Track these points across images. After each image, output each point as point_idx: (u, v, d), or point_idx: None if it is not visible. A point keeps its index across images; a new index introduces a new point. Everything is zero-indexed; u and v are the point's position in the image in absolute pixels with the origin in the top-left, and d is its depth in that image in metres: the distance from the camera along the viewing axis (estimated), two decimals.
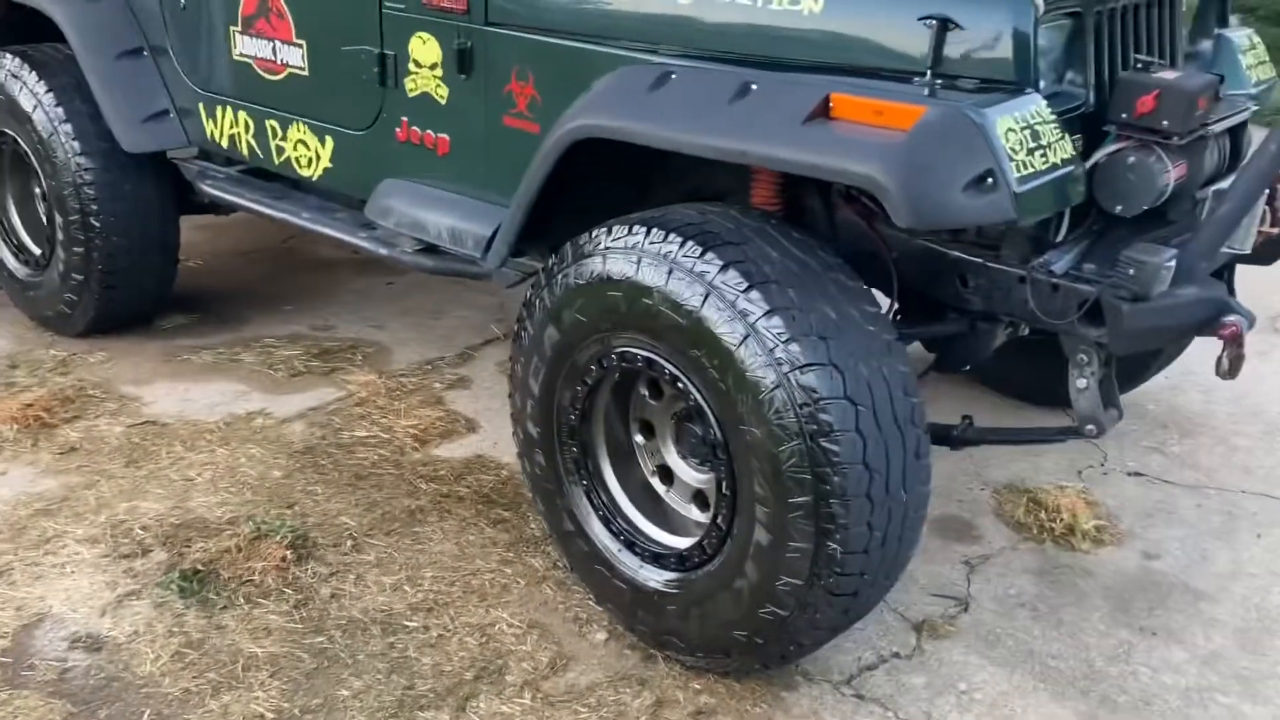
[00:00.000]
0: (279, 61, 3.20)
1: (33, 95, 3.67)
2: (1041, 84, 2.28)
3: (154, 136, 3.59)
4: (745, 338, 2.11)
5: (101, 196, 3.64)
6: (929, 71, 2.17)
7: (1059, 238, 2.43)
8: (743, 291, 2.12)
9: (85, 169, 3.62)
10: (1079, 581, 2.89)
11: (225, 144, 3.50)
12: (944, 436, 2.63)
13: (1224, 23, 3.00)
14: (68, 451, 3.28)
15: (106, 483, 3.13)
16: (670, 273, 2.20)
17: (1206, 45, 2.96)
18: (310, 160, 3.25)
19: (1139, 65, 2.40)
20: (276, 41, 3.18)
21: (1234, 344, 2.28)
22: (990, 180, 2.01)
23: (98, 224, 3.67)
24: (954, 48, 2.19)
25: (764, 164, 2.16)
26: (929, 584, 2.85)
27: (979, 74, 2.21)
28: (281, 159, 3.34)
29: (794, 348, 2.08)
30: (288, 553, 2.80)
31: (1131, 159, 2.33)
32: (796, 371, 2.07)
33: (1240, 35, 3.00)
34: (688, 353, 2.22)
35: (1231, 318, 2.29)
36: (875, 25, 2.28)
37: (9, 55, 3.77)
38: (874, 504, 2.12)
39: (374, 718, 2.35)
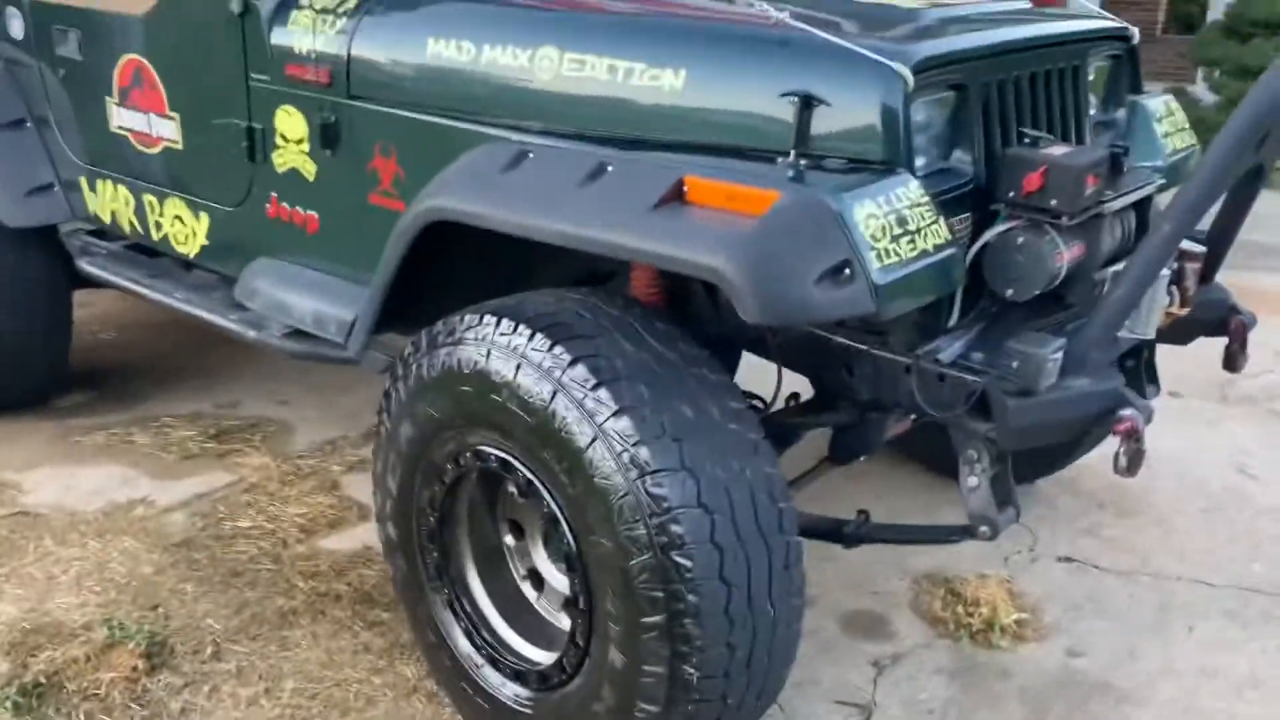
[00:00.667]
0: (154, 135, 3.04)
1: None
2: (920, 161, 2.13)
3: (37, 211, 3.43)
4: (593, 440, 1.94)
5: None
6: (793, 151, 2.02)
7: (951, 323, 2.27)
8: (591, 389, 1.95)
9: None
10: (995, 683, 2.70)
11: (108, 219, 3.33)
12: (835, 534, 2.46)
13: (1137, 89, 2.86)
14: None
15: None
16: (519, 367, 2.03)
17: (1119, 114, 2.83)
18: (187, 237, 3.09)
19: (1026, 140, 2.24)
20: (151, 114, 3.03)
21: (1130, 439, 2.11)
22: (848, 272, 1.85)
23: None
24: (821, 125, 2.04)
25: (610, 252, 1.99)
26: (832, 688, 2.65)
27: (847, 153, 2.05)
28: (160, 235, 3.17)
29: (643, 451, 1.90)
30: (140, 662, 2.60)
31: (1020, 240, 2.18)
32: (646, 477, 1.89)
33: (1156, 103, 2.87)
34: (538, 454, 2.04)
35: (1127, 412, 2.12)
36: (738, 102, 2.12)
37: None
38: (734, 622, 1.94)
39: None
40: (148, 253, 3.34)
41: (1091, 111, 2.74)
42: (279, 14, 2.65)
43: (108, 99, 3.14)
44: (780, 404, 2.61)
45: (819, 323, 2.13)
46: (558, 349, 1.99)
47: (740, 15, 2.15)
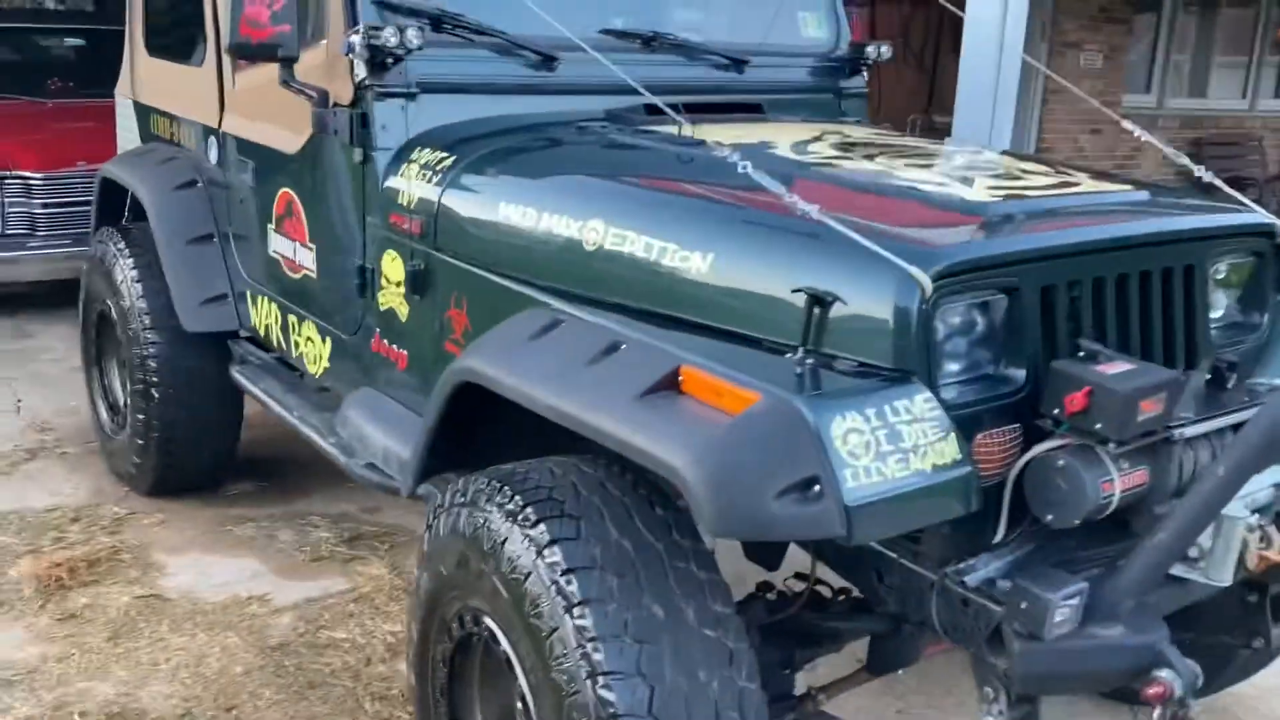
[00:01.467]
0: (297, 261, 3.28)
1: (122, 270, 3.94)
2: (952, 367, 2.01)
3: (211, 319, 3.75)
4: (554, 630, 1.89)
5: (162, 370, 3.82)
6: (800, 349, 1.93)
7: (997, 538, 2.08)
8: (561, 574, 1.91)
9: (151, 343, 3.82)
10: None
11: (263, 332, 3.60)
12: None
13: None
14: (67, 618, 3.38)
15: (81, 657, 3.18)
16: (506, 540, 2.02)
17: (1263, 318, 2.55)
18: (316, 358, 3.29)
19: (1082, 354, 2.04)
20: (296, 243, 3.26)
21: (1164, 705, 1.85)
22: (816, 489, 1.73)
23: (157, 394, 3.84)
24: (837, 324, 1.94)
25: (593, 436, 1.95)
26: None
27: (859, 356, 1.94)
28: (297, 353, 3.40)
29: (599, 650, 1.84)
30: None
31: (1061, 463, 1.97)
32: (598, 678, 1.83)
33: None
34: (511, 631, 2.01)
35: (1163, 674, 1.87)
36: (760, 291, 2.06)
37: (114, 230, 4.08)
38: None
39: None
40: (292, 368, 3.57)
41: (1219, 314, 2.49)
42: (392, 165, 2.81)
43: (268, 225, 3.42)
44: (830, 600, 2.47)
45: (783, 540, 1.99)
46: (540, 526, 1.97)
47: (773, 204, 2.09)
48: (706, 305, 2.13)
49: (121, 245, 3.98)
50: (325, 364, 3.24)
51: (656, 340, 2.07)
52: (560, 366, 2.09)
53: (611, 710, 1.81)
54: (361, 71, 2.78)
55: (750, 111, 3.27)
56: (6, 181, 6.01)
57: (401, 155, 2.81)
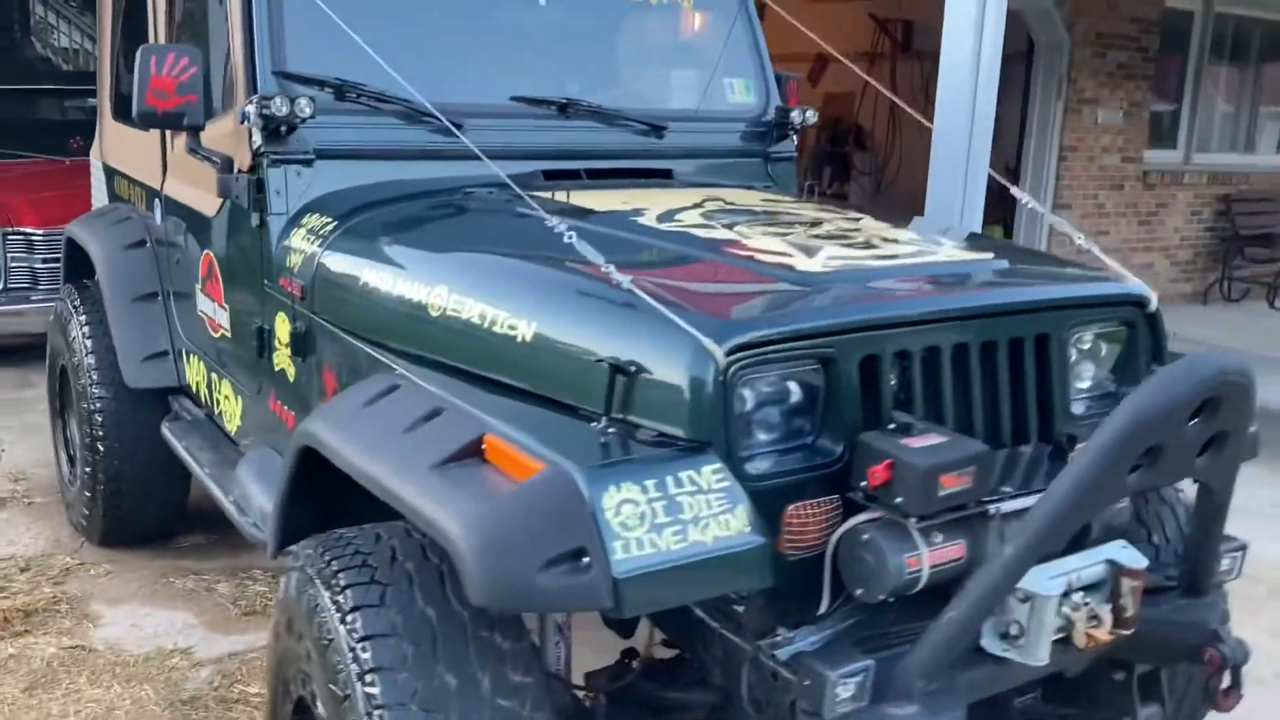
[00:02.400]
0: (216, 321, 3.36)
1: (75, 326, 4.06)
2: (762, 437, 2.01)
3: (152, 375, 3.84)
4: (347, 697, 1.91)
5: (108, 423, 3.92)
6: (603, 418, 1.95)
7: (822, 609, 2.06)
8: (359, 641, 1.93)
9: (98, 397, 3.92)
10: None
11: (194, 389, 3.69)
12: None
13: (1159, 359, 2.53)
14: None
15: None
16: (318, 605, 2.04)
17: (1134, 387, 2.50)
18: (231, 415, 3.36)
19: (892, 426, 2.03)
20: (215, 303, 3.35)
21: None
22: (585, 560, 1.74)
23: (103, 448, 3.94)
24: (641, 394, 1.96)
25: (392, 503, 1.98)
26: None
27: (661, 425, 1.94)
28: (218, 410, 3.47)
29: (385, 717, 1.85)
30: None
31: (866, 537, 1.96)
32: None
33: None
34: (320, 697, 2.03)
35: None
36: (576, 359, 2.08)
37: (72, 287, 4.21)
38: None
39: None
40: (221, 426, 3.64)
41: (1085, 384, 2.46)
42: (285, 229, 2.89)
43: (195, 285, 3.51)
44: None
45: (551, 611, 1.99)
46: (347, 592, 2.00)
47: (594, 273, 2.11)
48: (531, 372, 2.16)
49: (77, 302, 4.11)
50: (238, 422, 3.31)
51: (480, 407, 2.10)
52: (382, 433, 2.12)
53: None
54: (258, 139, 2.86)
55: (659, 176, 3.30)
56: (9, 237, 6.23)
57: (295, 220, 2.88)
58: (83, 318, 4.04)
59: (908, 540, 1.95)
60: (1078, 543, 2.17)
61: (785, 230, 2.52)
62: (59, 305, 4.28)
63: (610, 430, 1.93)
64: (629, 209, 2.69)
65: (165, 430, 3.71)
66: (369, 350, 2.51)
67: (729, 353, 1.90)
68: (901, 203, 11.31)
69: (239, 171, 2.97)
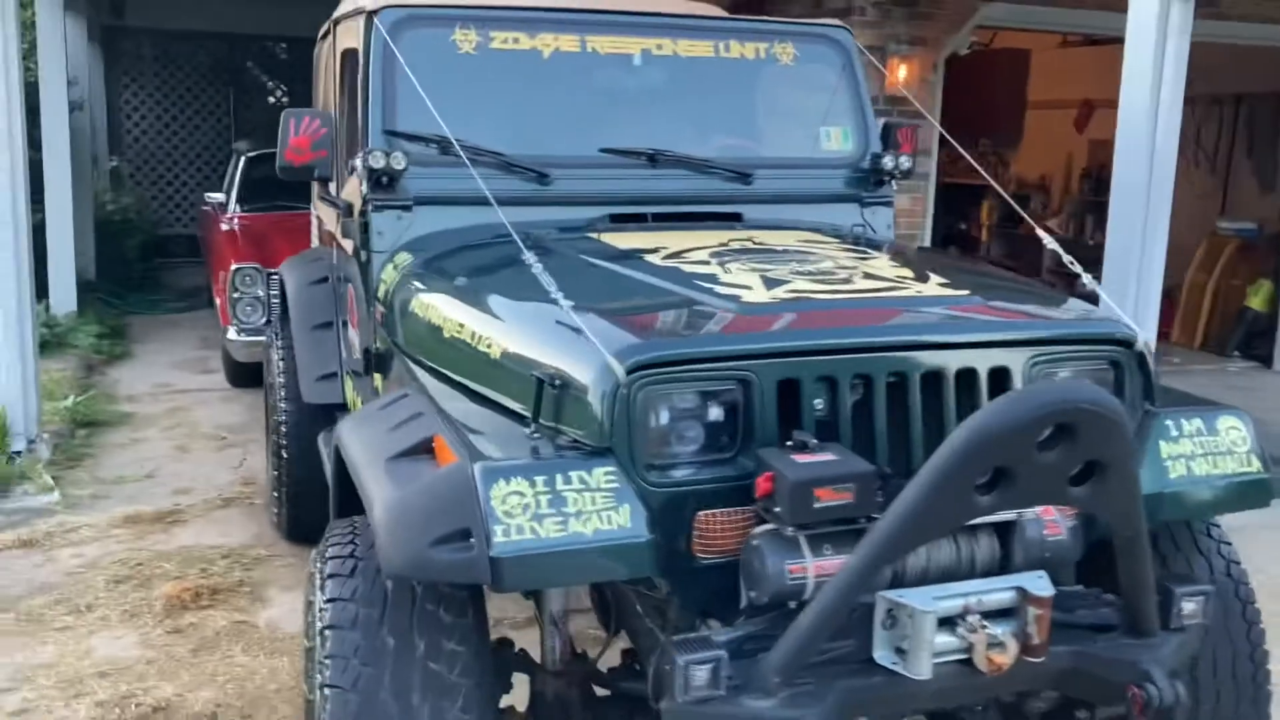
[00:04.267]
0: (353, 344, 3.88)
1: (275, 350, 4.75)
2: (675, 449, 2.22)
3: (322, 392, 4.42)
4: (310, 649, 2.28)
5: (290, 434, 4.55)
6: (533, 423, 2.24)
7: (742, 611, 2.24)
8: (324, 604, 2.29)
9: (284, 411, 4.57)
10: None
11: (350, 405, 4.23)
12: None
13: (1149, 398, 2.52)
14: (172, 631, 4.10)
15: (165, 662, 3.87)
16: (310, 604, 2.42)
17: None
18: None
19: (790, 443, 2.18)
20: (353, 329, 3.87)
21: None
22: (471, 540, 2.02)
23: (286, 455, 4.58)
24: (564, 403, 2.23)
25: (358, 488, 2.33)
26: None
27: (576, 432, 2.21)
28: None
29: (328, 669, 2.20)
30: None
31: (755, 543, 2.14)
32: (326, 689, 2.19)
33: (1181, 420, 2.51)
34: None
35: None
36: (520, 373, 2.37)
37: (278, 319, 4.91)
38: None
39: None
40: None
41: None
42: (383, 266, 3.34)
43: (344, 315, 4.06)
44: None
45: (442, 581, 2.23)
46: (327, 565, 2.37)
47: (550, 299, 2.39)
48: (498, 383, 2.48)
49: (279, 330, 4.80)
50: None
51: (455, 413, 2.44)
52: (375, 432, 2.50)
53: (325, 717, 2.16)
54: (365, 187, 3.34)
55: (729, 219, 3.52)
56: (271, 277, 7.18)
57: (390, 257, 3.34)
58: (280, 344, 4.72)
59: (794, 550, 2.11)
60: (1004, 570, 2.24)
61: (773, 267, 2.70)
62: (268, 335, 4.99)
63: (535, 435, 2.22)
64: (648, 247, 2.95)
65: (320, 440, 4.27)
66: (410, 364, 2.90)
67: (630, 370, 2.14)
68: (1169, 256, 10.69)
69: (355, 216, 3.47)
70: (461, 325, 2.65)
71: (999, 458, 1.91)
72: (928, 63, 7.33)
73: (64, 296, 8.93)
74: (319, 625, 2.27)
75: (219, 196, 8.91)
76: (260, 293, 6.84)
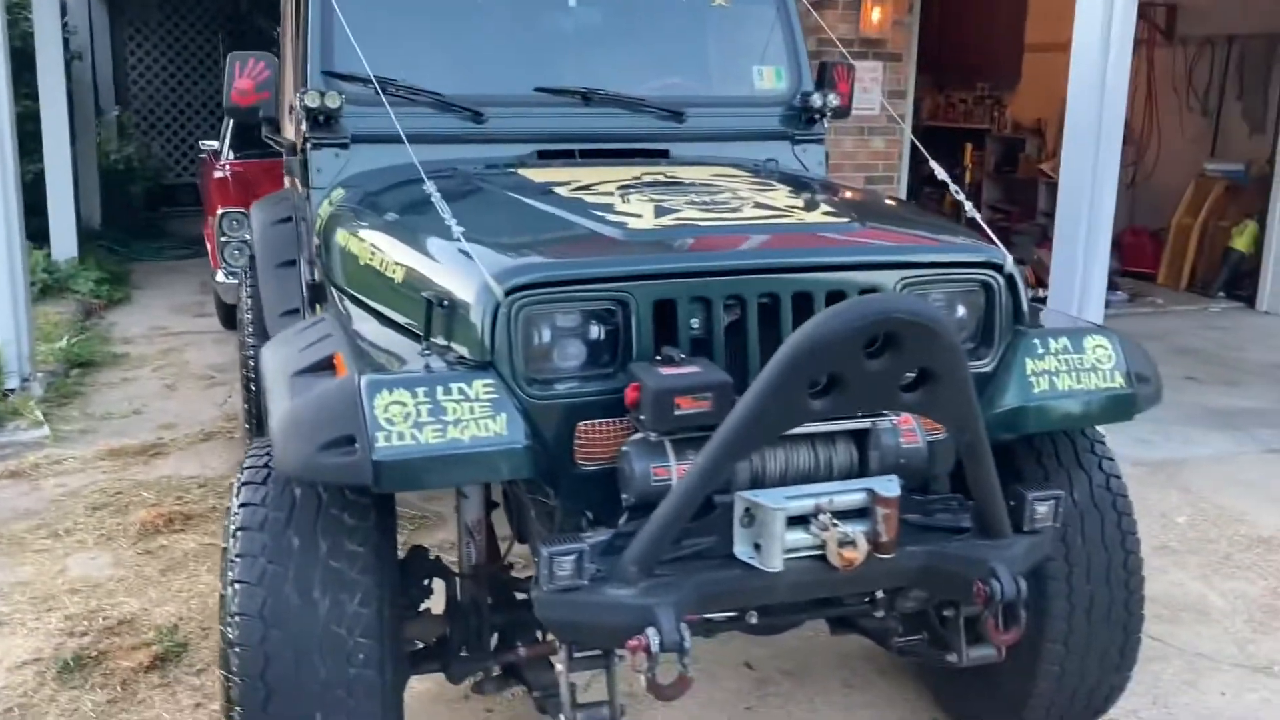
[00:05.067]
0: (304, 280, 4.06)
1: (244, 288, 4.94)
2: (555, 364, 2.38)
3: (285, 327, 4.60)
4: (225, 549, 2.47)
5: (257, 369, 4.74)
6: (425, 341, 2.42)
7: (623, 516, 2.42)
8: (237, 507, 2.47)
9: (251, 346, 4.77)
10: None
11: None
12: None
13: (1020, 320, 2.67)
14: (144, 553, 4.34)
15: (134, 579, 4.11)
16: (228, 509, 2.59)
17: (985, 349, 2.66)
18: None
19: (659, 357, 2.35)
20: (303, 263, 4.05)
21: (638, 655, 2.13)
22: (355, 445, 2.20)
23: (254, 389, 4.78)
24: (451, 323, 2.41)
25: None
26: None
27: (460, 349, 2.38)
28: None
29: (235, 566, 2.38)
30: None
31: (625, 449, 2.32)
32: (234, 585, 2.37)
33: (1048, 338, 2.66)
34: None
35: (649, 631, 2.14)
36: (415, 295, 2.53)
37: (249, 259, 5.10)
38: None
39: None
40: None
41: None
42: (320, 201, 3.49)
43: (304, 252, 4.23)
44: None
45: (329, 482, 2.40)
46: (244, 473, 2.56)
47: (443, 227, 2.55)
48: (401, 306, 2.64)
49: (248, 269, 4.99)
50: None
51: (363, 333, 2.62)
52: (290, 352, 2.67)
53: (234, 609, 2.36)
54: (305, 126, 3.50)
55: (655, 156, 3.66)
56: None
57: (329, 194, 3.49)
58: (248, 282, 4.91)
59: (659, 454, 2.29)
60: (862, 475, 2.41)
61: (671, 198, 2.85)
62: (239, 273, 5.18)
63: (426, 352, 2.39)
64: (562, 180, 3.10)
65: None
66: (334, 293, 3.08)
67: (509, 291, 2.31)
68: (1158, 198, 10.75)
69: (296, 154, 3.63)
70: (373, 253, 2.82)
71: (828, 365, 2.06)
72: (902, 5, 7.37)
73: (64, 243, 9.15)
74: (232, 528, 2.47)
75: (214, 144, 9.08)
76: (247, 236, 7.00)
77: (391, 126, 3.48)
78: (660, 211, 2.70)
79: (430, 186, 2.65)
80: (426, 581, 2.80)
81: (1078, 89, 5.47)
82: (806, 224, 2.69)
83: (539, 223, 2.74)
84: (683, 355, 2.35)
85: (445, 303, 2.40)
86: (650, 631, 2.15)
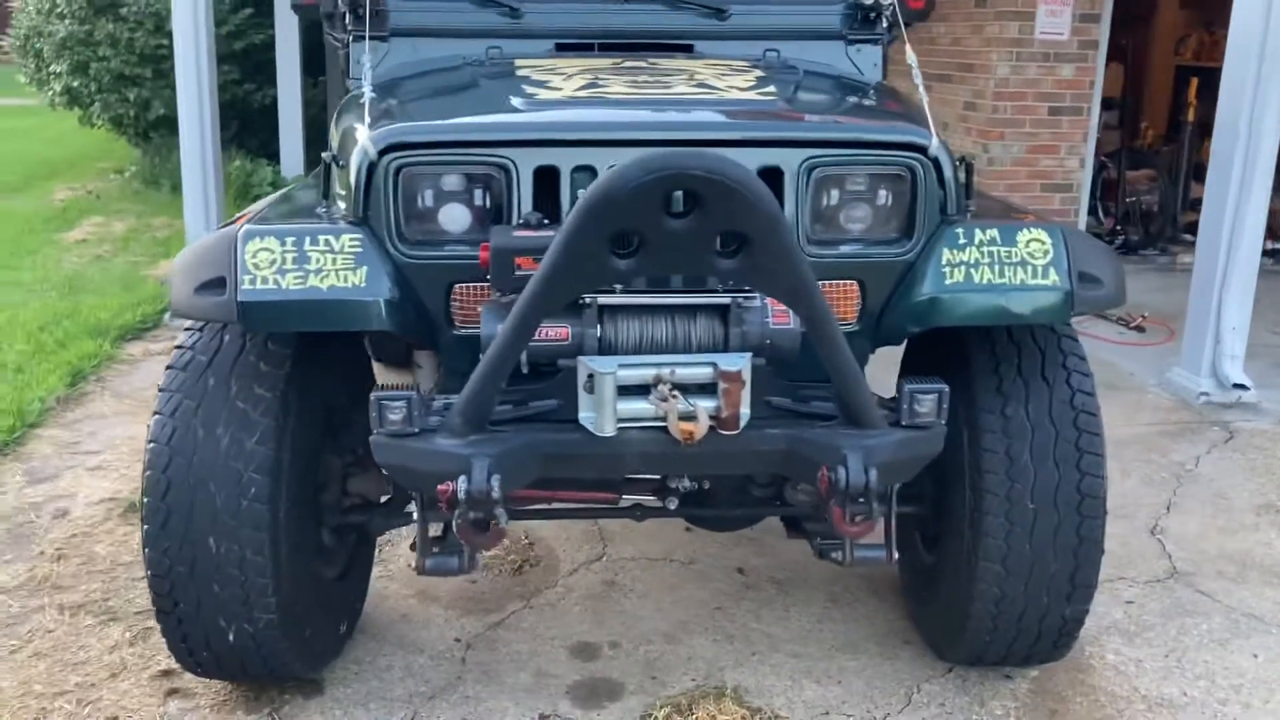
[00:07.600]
0: None
1: None
2: (434, 225, 2.44)
3: None
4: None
5: None
6: (322, 200, 2.56)
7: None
8: (173, 349, 2.71)
9: None
10: None
11: None
12: None
13: (945, 210, 2.51)
14: None
15: None
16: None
17: (905, 234, 2.53)
18: None
19: (520, 221, 2.36)
20: None
21: (447, 500, 2.19)
22: (224, 288, 2.36)
23: None
24: (341, 182, 2.54)
25: None
26: None
27: (343, 206, 2.51)
28: None
29: (159, 401, 2.62)
30: None
31: (480, 309, 2.37)
32: (154, 417, 2.61)
33: (968, 229, 2.52)
34: None
35: (460, 479, 2.19)
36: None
37: None
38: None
39: None
40: None
41: (858, 226, 2.53)
42: (359, 90, 3.69)
43: None
44: None
45: (203, 320, 2.55)
46: (179, 336, 2.77)
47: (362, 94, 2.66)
48: (326, 172, 2.77)
49: None
50: None
51: (299, 197, 2.80)
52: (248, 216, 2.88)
53: (149, 440, 2.60)
54: (348, 20, 3.69)
55: (682, 50, 3.61)
56: None
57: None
58: None
59: (506, 314, 2.31)
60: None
61: (615, 79, 2.82)
62: None
63: (321, 209, 2.53)
64: (542, 68, 3.12)
65: None
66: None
67: (382, 151, 2.39)
68: None
69: (341, 48, 3.83)
70: (335, 130, 2.98)
71: (623, 220, 2.00)
72: None
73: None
74: (165, 367, 2.70)
75: None
76: None
77: (427, 21, 3.63)
78: (585, 87, 2.70)
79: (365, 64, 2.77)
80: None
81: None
82: (719, 99, 2.60)
83: (464, 98, 2.80)
84: (546, 220, 2.36)
85: (341, 163, 2.52)
86: (461, 479, 2.20)
